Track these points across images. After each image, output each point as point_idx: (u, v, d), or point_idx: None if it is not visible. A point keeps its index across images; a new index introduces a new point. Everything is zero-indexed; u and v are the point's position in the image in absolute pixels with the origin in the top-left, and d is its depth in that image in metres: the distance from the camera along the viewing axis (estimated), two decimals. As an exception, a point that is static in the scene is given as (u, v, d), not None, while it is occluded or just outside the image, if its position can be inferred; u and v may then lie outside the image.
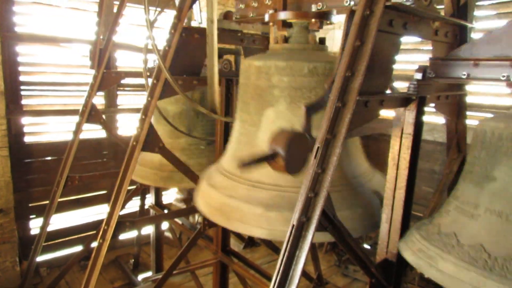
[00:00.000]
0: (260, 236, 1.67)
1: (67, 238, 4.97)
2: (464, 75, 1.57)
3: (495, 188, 1.32)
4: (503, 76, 1.41)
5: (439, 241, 1.41)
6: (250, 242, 5.31)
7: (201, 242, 3.29)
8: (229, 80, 2.89)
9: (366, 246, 5.08)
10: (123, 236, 5.19)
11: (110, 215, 2.40)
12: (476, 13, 4.29)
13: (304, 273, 4.19)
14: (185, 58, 2.59)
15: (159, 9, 2.81)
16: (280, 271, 1.19)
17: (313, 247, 4.14)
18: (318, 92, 1.74)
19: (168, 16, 4.39)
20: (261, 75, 1.86)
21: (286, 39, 2.00)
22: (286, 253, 1.20)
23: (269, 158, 1.27)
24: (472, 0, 4.36)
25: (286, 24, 1.96)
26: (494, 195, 1.32)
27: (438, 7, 1.88)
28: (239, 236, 5.13)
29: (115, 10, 3.63)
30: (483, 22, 4.22)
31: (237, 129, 2.11)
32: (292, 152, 1.24)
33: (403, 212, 1.65)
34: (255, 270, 2.98)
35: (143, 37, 2.60)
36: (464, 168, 1.58)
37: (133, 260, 4.95)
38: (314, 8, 1.87)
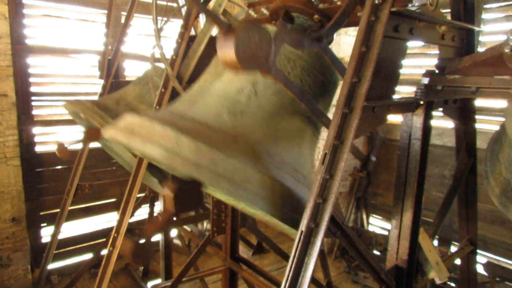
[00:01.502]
0: (156, 156, 1.28)
1: (77, 246, 5.02)
2: (473, 89, 1.55)
3: None
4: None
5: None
6: (259, 248, 5.31)
7: (210, 249, 3.29)
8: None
9: (376, 252, 5.03)
10: (132, 244, 5.20)
11: (120, 222, 2.42)
12: (484, 16, 4.27)
13: (314, 280, 4.16)
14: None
15: (165, 19, 2.85)
16: (289, 278, 1.19)
17: (322, 254, 4.11)
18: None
19: (174, 26, 4.44)
20: None
21: None
22: (295, 260, 1.19)
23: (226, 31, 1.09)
24: (480, 3, 4.34)
25: (288, 17, 1.93)
26: None
27: (444, 11, 1.89)
28: (248, 243, 5.13)
29: (122, 21, 3.69)
30: (491, 25, 4.20)
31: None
32: (245, 40, 1.08)
33: (412, 218, 1.64)
34: (264, 277, 2.97)
35: (150, 46, 2.65)
36: None
37: (142, 267, 4.96)
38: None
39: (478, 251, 2.39)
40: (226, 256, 3.11)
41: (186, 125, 1.41)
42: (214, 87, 1.73)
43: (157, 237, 4.31)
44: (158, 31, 2.45)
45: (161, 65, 2.83)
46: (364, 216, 5.49)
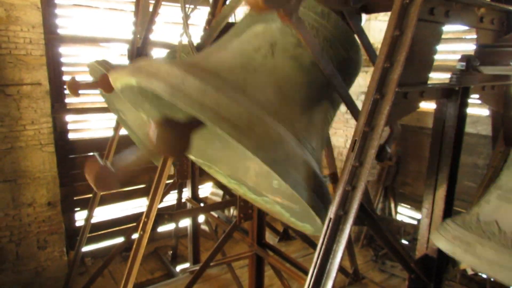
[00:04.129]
0: (158, 91, 1.25)
1: (109, 230, 5.21)
2: None
3: None
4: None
5: (478, 228, 1.36)
6: (285, 235, 5.33)
7: (237, 235, 3.33)
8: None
9: (404, 241, 4.96)
10: (161, 229, 5.36)
11: (150, 208, 2.49)
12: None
13: (340, 268, 4.15)
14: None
15: (192, 7, 2.85)
16: (317, 265, 1.19)
17: (349, 242, 4.09)
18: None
19: (202, 13, 4.44)
20: None
21: None
22: (323, 247, 1.19)
23: None
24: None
25: None
26: None
27: (483, -8, 1.79)
28: (274, 229, 5.16)
29: (151, 9, 3.73)
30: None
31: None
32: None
33: (444, 207, 1.59)
34: (291, 263, 2.99)
35: (178, 34, 2.66)
36: (508, 157, 1.50)
37: (171, 251, 5.10)
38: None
39: None
40: (253, 242, 3.14)
41: (195, 70, 1.36)
42: (232, 44, 1.69)
43: (185, 222, 4.42)
44: (186, 18, 2.46)
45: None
46: (392, 205, 5.40)
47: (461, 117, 1.59)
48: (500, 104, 2.04)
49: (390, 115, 1.27)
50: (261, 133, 1.24)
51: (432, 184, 1.63)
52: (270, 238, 5.35)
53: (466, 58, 1.58)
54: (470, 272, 1.70)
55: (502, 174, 1.49)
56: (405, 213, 5.45)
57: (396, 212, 5.43)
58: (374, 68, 1.30)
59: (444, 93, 1.58)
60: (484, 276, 3.91)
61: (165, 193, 4.11)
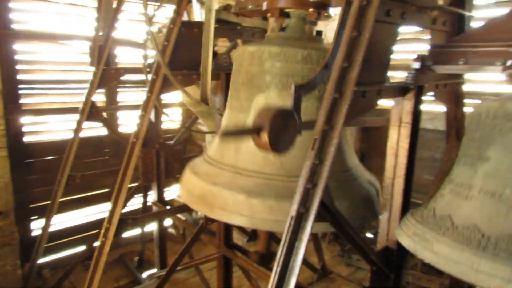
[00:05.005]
0: (241, 225, 1.61)
1: (70, 238, 4.96)
2: (462, 61, 1.56)
3: (489, 168, 1.33)
4: (499, 63, 1.41)
5: (434, 224, 1.42)
6: (254, 235, 5.34)
7: (204, 237, 3.31)
8: (229, 75, 2.89)
9: (369, 235, 5.10)
10: (127, 234, 5.22)
11: (112, 213, 2.41)
12: (476, 1, 4.25)
13: (308, 264, 4.22)
14: (184, 53, 2.59)
15: (157, 4, 2.80)
16: (280, 263, 1.20)
17: (315, 238, 4.16)
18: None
19: (167, 11, 4.38)
20: (254, 61, 1.83)
21: (282, 29, 1.99)
22: (286, 245, 1.20)
23: (252, 132, 1.22)
24: (472, -11, 4.31)
25: (283, 14, 1.94)
26: (488, 176, 1.32)
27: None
28: (242, 230, 5.16)
29: (114, 5, 3.61)
30: (482, 11, 4.19)
31: (226, 116, 2.07)
32: (277, 128, 1.20)
33: (402, 200, 1.66)
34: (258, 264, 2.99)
35: (143, 32, 2.61)
36: (459, 152, 1.58)
37: (137, 257, 4.97)
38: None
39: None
40: (221, 244, 3.13)
41: (246, 183, 1.64)
42: (247, 124, 1.76)
43: (151, 227, 4.33)
44: (148, 16, 2.41)
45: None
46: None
47: (417, 114, 1.66)
48: (453, 101, 2.15)
49: (348, 114, 1.30)
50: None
51: (390, 178, 1.69)
52: (239, 239, 5.34)
53: (420, 58, 1.65)
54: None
55: (454, 169, 1.56)
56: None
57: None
58: (333, 68, 1.33)
59: (400, 91, 1.65)
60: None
61: (129, 196, 4.01)
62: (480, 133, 1.42)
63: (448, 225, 1.37)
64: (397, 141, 1.67)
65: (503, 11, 1.69)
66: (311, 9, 1.86)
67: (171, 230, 4.82)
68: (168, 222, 4.37)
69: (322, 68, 1.45)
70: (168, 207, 3.94)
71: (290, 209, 1.25)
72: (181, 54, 2.54)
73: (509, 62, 1.40)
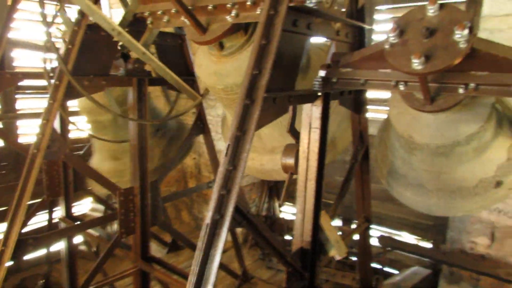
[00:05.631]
0: None
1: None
2: (363, 83, 1.67)
3: None
4: (394, 82, 1.54)
5: None
6: (174, 246, 5.18)
7: (120, 251, 3.11)
8: (141, 80, 2.78)
9: (289, 237, 5.28)
10: (30, 256, 4.71)
11: (8, 234, 2.14)
12: (376, 16, 4.70)
13: (230, 271, 4.21)
14: (91, 57, 2.42)
15: (58, 4, 2.59)
16: (196, 272, 1.17)
17: (236, 244, 4.18)
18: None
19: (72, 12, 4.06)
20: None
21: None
22: (201, 254, 1.18)
23: None
24: (373, 5, 4.75)
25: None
26: None
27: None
28: (162, 241, 4.97)
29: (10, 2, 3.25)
30: (382, 25, 4.63)
31: None
32: None
33: (314, 202, 1.74)
34: (179, 274, 2.91)
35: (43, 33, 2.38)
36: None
37: (43, 280, 4.50)
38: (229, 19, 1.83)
39: (373, 226, 2.66)
40: (137, 257, 2.97)
41: None
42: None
43: (59, 245, 3.95)
44: (45, 15, 2.20)
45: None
46: (277, 204, 5.70)
47: (325, 119, 1.76)
48: (357, 107, 2.33)
49: (260, 119, 1.33)
50: None
51: (303, 181, 1.76)
52: (158, 250, 5.14)
53: (326, 66, 1.75)
54: (337, 258, 1.88)
55: None
56: (288, 211, 5.81)
57: (281, 211, 5.75)
58: (244, 74, 1.35)
59: (309, 98, 1.73)
60: (354, 258, 4.40)
61: (31, 214, 3.63)
62: None
63: None
64: (307, 146, 1.76)
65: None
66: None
67: (82, 248, 4.46)
68: (78, 239, 4.03)
69: None
70: (78, 223, 3.64)
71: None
72: (88, 58, 2.37)
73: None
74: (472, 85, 1.37)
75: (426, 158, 1.79)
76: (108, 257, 2.93)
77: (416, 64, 1.26)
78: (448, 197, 1.87)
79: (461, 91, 1.41)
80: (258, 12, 1.61)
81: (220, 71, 2.14)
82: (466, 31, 1.20)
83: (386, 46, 1.37)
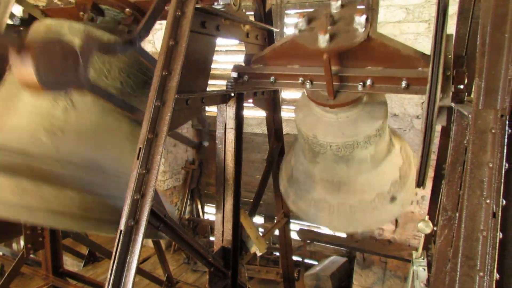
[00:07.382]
0: None
1: None
2: (272, 82, 1.74)
3: None
4: (301, 80, 1.64)
5: None
6: (92, 257, 4.87)
7: (27, 269, 2.84)
8: None
9: (213, 238, 5.29)
10: None
11: None
12: (286, 20, 4.92)
13: (154, 278, 4.08)
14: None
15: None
16: (111, 282, 1.13)
17: (159, 250, 4.08)
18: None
19: None
20: None
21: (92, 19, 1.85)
22: (116, 261, 1.14)
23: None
24: (283, 9, 4.94)
25: (98, 11, 1.83)
26: None
27: (249, 13, 2.09)
28: (78, 254, 4.65)
29: None
30: (292, 29, 4.86)
31: None
32: (50, 58, 1.01)
33: (233, 202, 1.78)
34: (95, 286, 2.75)
35: None
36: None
37: None
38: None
39: (292, 221, 2.79)
40: (48, 273, 2.74)
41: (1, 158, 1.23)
42: (22, 101, 1.50)
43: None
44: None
45: None
46: (199, 206, 5.67)
47: (239, 119, 1.81)
48: (271, 107, 2.43)
49: (173, 121, 1.32)
50: (97, 210, 1.29)
51: (221, 182, 1.79)
52: (74, 264, 4.79)
53: (236, 68, 1.80)
54: (258, 254, 1.95)
55: None
56: (212, 212, 5.81)
57: (204, 212, 5.74)
58: (154, 76, 1.33)
59: (222, 99, 1.77)
60: (277, 253, 4.58)
61: None
62: None
63: None
64: (224, 146, 1.79)
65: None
66: (127, 9, 1.82)
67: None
68: (-24, 261, 3.59)
69: (126, 41, 1.46)
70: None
71: (58, 197, 1.17)
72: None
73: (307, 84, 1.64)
74: (368, 82, 1.52)
75: (328, 165, 1.82)
76: (14, 276, 2.66)
77: (322, 41, 1.40)
78: (348, 212, 1.91)
79: (360, 88, 1.55)
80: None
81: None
82: (363, 18, 1.37)
83: (296, 32, 1.49)
